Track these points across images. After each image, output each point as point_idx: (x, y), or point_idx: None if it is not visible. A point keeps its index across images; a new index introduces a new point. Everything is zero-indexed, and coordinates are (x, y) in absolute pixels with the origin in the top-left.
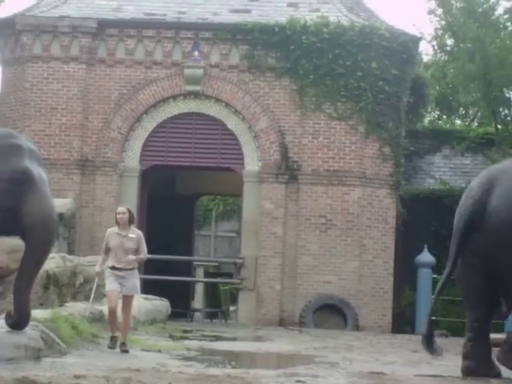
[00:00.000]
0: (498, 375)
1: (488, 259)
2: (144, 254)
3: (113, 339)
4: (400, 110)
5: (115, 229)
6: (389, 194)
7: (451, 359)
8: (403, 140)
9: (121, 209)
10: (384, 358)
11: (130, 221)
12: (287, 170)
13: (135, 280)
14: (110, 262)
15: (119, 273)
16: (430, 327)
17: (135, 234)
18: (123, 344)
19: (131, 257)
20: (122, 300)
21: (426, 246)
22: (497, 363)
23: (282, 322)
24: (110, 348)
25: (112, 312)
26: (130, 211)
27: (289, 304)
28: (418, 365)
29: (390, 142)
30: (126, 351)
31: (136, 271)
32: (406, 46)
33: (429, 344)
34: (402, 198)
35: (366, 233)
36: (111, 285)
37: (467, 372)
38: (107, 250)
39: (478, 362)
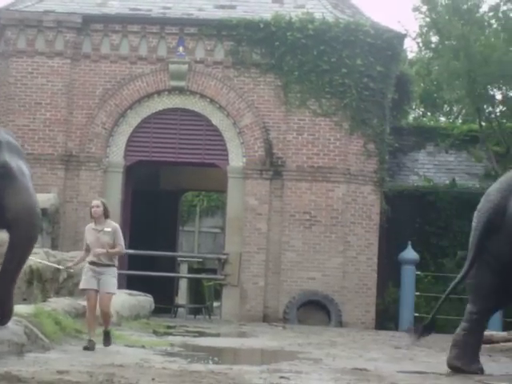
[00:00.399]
0: (480, 371)
1: (505, 260)
2: (120, 248)
3: (90, 342)
4: (384, 106)
5: (92, 225)
6: (373, 191)
7: (434, 356)
8: (388, 137)
9: (95, 202)
10: (367, 354)
11: (105, 214)
12: (271, 166)
13: (112, 278)
14: (89, 258)
15: (97, 268)
16: (432, 322)
17: (111, 227)
18: (106, 333)
19: (99, 250)
20: (99, 299)
21: (409, 242)
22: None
23: (266, 318)
24: (86, 349)
25: (90, 311)
26: (104, 204)
27: (273, 300)
28: (401, 361)
29: (374, 138)
30: (109, 344)
31: (114, 268)
32: (390, 42)
33: (419, 335)
34: (386, 194)
35: (350, 229)
36: (87, 282)
37: (452, 360)
38: (87, 247)
39: (465, 352)
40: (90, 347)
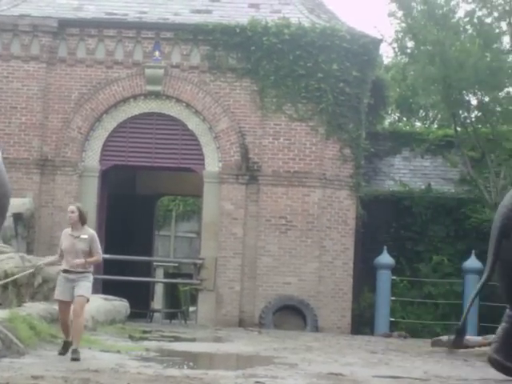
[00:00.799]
0: None
1: None
2: (98, 256)
3: (65, 344)
4: (360, 111)
5: (69, 230)
6: (349, 196)
7: (410, 360)
8: (363, 141)
9: (71, 207)
10: (343, 359)
11: (81, 220)
12: (247, 171)
13: (87, 282)
14: (63, 265)
15: (70, 276)
16: (464, 326)
17: (88, 234)
18: (75, 351)
19: (77, 260)
20: (73, 304)
21: (385, 247)
22: None
23: (242, 323)
24: (61, 354)
25: (63, 323)
26: (80, 210)
27: (248, 305)
28: (377, 366)
29: (350, 143)
30: (77, 359)
31: (89, 274)
32: (366, 47)
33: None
34: (362, 199)
35: (325, 234)
36: (61, 293)
37: (492, 353)
38: (61, 252)
39: (505, 347)
40: (64, 352)
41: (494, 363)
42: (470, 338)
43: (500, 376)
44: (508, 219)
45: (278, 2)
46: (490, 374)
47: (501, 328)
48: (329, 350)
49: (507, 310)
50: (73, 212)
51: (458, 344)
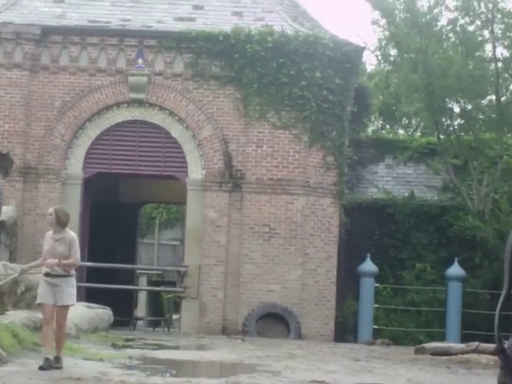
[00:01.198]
0: None
1: None
2: (74, 260)
3: (46, 360)
4: (344, 119)
5: (51, 233)
6: (332, 203)
7: (392, 368)
8: (347, 149)
9: (49, 210)
10: (326, 366)
11: (59, 223)
12: (231, 179)
13: (70, 289)
14: (44, 269)
15: (52, 280)
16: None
17: (67, 237)
18: (57, 359)
19: (50, 260)
20: (56, 311)
21: (368, 255)
22: None
23: (225, 331)
24: (41, 368)
25: (47, 325)
26: (57, 212)
27: (232, 312)
28: (360, 373)
29: (333, 151)
30: (60, 368)
31: (71, 279)
32: (349, 55)
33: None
34: (346, 207)
35: (309, 241)
36: (44, 297)
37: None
38: (44, 255)
39: None
40: (46, 367)
41: None
42: (453, 345)
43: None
44: None
45: (262, 9)
46: (473, 381)
47: None
48: (312, 358)
49: None
50: (51, 214)
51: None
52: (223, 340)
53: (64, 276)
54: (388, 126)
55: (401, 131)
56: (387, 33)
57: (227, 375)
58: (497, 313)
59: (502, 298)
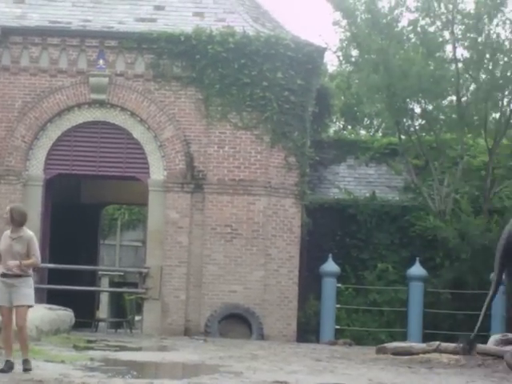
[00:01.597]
0: None
1: None
2: (35, 259)
3: (7, 363)
4: (305, 119)
5: (8, 232)
6: (294, 204)
7: (354, 368)
8: (308, 150)
9: (6, 209)
10: (288, 367)
11: (14, 221)
12: (193, 180)
13: (27, 289)
14: (0, 269)
15: (8, 280)
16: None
17: (25, 236)
18: (26, 361)
19: (11, 262)
20: (15, 312)
21: (330, 255)
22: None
23: (188, 332)
24: (2, 371)
25: (6, 328)
26: (11, 211)
27: (194, 313)
28: (322, 373)
29: (295, 151)
30: (29, 369)
31: (29, 279)
32: (311, 56)
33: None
34: (307, 207)
35: (271, 242)
36: (0, 298)
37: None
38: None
39: None
40: (6, 370)
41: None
42: (415, 344)
43: (443, 382)
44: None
45: (223, 10)
46: (434, 380)
47: None
48: (274, 358)
49: None
50: (6, 213)
51: (468, 352)
52: (185, 341)
53: (21, 276)
54: (350, 127)
55: (362, 132)
56: (348, 34)
57: (189, 376)
58: (483, 311)
59: (489, 297)
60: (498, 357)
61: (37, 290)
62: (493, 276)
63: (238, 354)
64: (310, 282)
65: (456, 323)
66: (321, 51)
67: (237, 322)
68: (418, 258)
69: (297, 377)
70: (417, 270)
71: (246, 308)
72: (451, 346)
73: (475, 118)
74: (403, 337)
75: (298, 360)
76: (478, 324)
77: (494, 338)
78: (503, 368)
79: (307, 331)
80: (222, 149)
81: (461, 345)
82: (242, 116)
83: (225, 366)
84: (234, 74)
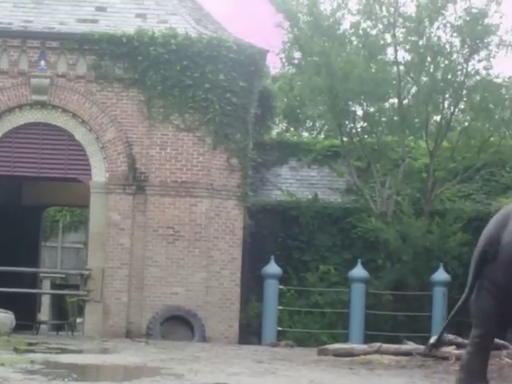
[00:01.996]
0: None
1: (501, 286)
2: None
3: None
4: (247, 121)
5: None
6: (236, 206)
7: (296, 369)
8: (251, 152)
9: None
10: (229, 369)
11: None
12: (134, 181)
13: None
14: None
15: None
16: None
17: None
18: None
19: None
20: None
21: (272, 257)
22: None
23: (129, 334)
24: None
25: None
26: None
27: (136, 316)
28: (263, 375)
29: (237, 153)
30: None
31: None
32: (253, 58)
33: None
34: (250, 209)
35: (213, 244)
36: None
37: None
38: None
39: (470, 374)
40: None
41: None
42: (356, 346)
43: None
44: (489, 245)
45: (165, 12)
46: (375, 381)
47: (465, 355)
48: (216, 360)
49: (473, 331)
50: None
51: (432, 351)
52: (127, 343)
53: None
54: (292, 129)
55: (305, 134)
56: (291, 36)
57: (130, 379)
58: (453, 312)
59: (462, 300)
60: (439, 358)
61: None
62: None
63: (180, 356)
64: (252, 284)
65: (397, 324)
66: (263, 53)
67: (179, 324)
68: (359, 260)
69: (238, 379)
70: (358, 271)
71: (187, 310)
72: (392, 347)
73: (416, 120)
74: (345, 338)
75: (239, 362)
76: (444, 325)
77: (434, 338)
78: (443, 369)
79: (249, 333)
80: (164, 150)
81: (429, 344)
82: (184, 118)
83: (166, 368)
84: (176, 76)
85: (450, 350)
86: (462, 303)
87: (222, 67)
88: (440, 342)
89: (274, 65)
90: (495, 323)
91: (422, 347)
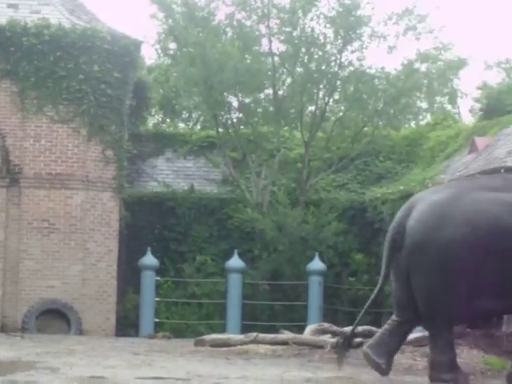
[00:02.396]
0: (384, 365)
1: (406, 274)
2: None
3: None
4: (122, 113)
5: None
6: (112, 198)
7: (173, 360)
8: (126, 143)
9: None
10: (105, 361)
11: None
12: (8, 174)
13: None
14: None
15: None
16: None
17: None
18: None
19: None
20: None
21: (149, 248)
22: None
23: (4, 328)
24: None
25: None
26: None
27: (11, 309)
28: (140, 367)
29: (112, 145)
30: None
31: None
32: (127, 49)
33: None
34: (126, 201)
35: (89, 236)
36: None
37: (366, 347)
38: None
39: (379, 346)
40: None
41: (366, 357)
42: (232, 336)
43: (260, 373)
44: (397, 233)
45: (38, 2)
46: (251, 371)
47: (382, 328)
48: (92, 353)
49: (393, 315)
50: None
51: (345, 348)
52: (2, 338)
53: None
54: (169, 120)
55: (182, 125)
56: (165, 27)
57: (4, 374)
58: (366, 305)
59: (375, 292)
60: (314, 346)
61: None
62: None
63: (56, 349)
64: (129, 276)
65: (274, 314)
66: (137, 44)
67: (55, 318)
68: (236, 251)
69: (114, 371)
70: (235, 262)
71: (63, 303)
72: (269, 336)
73: (291, 111)
74: (222, 329)
75: (116, 354)
76: (356, 322)
77: (310, 327)
78: (319, 357)
79: (127, 325)
80: (38, 142)
81: (340, 340)
82: (58, 109)
83: (41, 362)
84: (50, 67)
85: (326, 338)
86: (377, 293)
87: (97, 58)
88: (353, 335)
89: (150, 56)
90: (410, 311)
91: (299, 336)
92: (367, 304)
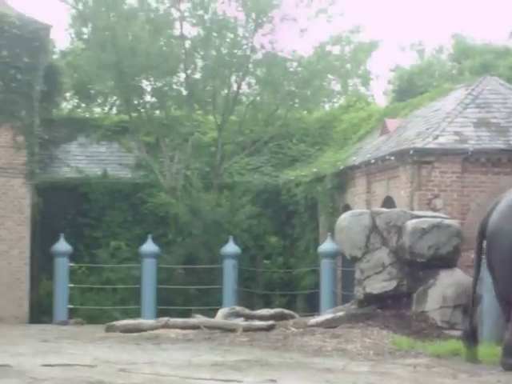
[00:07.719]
0: None
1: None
2: None
3: None
4: (33, 98)
5: None
6: (24, 184)
7: (82, 347)
8: (37, 129)
9: None
10: (13, 349)
11: None
12: None
13: None
14: None
15: None
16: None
17: None
18: None
19: None
20: None
21: (62, 234)
22: None
23: None
24: None
25: None
26: None
27: None
28: (47, 354)
29: (23, 131)
30: None
31: None
32: (37, 34)
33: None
34: (38, 187)
35: (0, 223)
36: None
37: None
38: None
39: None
40: None
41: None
42: (144, 321)
43: (169, 358)
44: (482, 227)
45: None
46: (161, 355)
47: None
48: (0, 341)
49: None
50: None
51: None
52: None
53: None
54: (84, 105)
55: (97, 110)
56: (75, 11)
57: None
58: (471, 297)
59: (474, 279)
60: (226, 330)
61: None
62: None
63: None
64: (42, 263)
65: (189, 298)
66: (47, 29)
67: None
68: (150, 235)
69: (20, 359)
70: (149, 246)
71: None
72: (180, 320)
73: (204, 94)
74: (138, 314)
75: (24, 342)
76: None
77: (221, 311)
78: (229, 341)
79: (41, 312)
80: None
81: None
82: None
83: None
84: None
85: (237, 321)
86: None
87: (5, 43)
88: (476, 329)
89: (65, 40)
90: None
91: (210, 320)
92: (471, 294)
